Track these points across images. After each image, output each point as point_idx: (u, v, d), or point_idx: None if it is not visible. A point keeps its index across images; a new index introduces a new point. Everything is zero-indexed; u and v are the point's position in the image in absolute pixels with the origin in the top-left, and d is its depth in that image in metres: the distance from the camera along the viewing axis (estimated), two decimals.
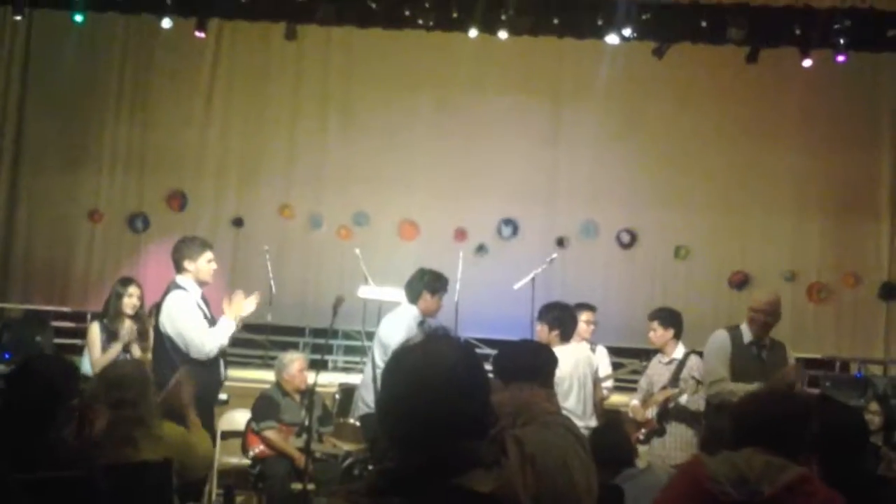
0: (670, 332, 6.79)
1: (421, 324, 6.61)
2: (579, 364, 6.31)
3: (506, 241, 11.14)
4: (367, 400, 6.59)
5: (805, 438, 2.98)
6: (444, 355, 2.02)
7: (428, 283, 6.67)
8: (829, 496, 2.78)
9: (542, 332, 6.34)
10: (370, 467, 6.38)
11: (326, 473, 6.83)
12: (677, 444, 6.52)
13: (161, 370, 5.54)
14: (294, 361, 7.34)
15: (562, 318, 6.35)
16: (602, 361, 7.33)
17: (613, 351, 8.70)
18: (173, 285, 5.97)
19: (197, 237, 6.49)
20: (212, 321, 5.91)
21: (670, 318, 6.86)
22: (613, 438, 4.62)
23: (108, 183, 11.23)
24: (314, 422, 6.68)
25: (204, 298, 6.04)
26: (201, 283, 5.99)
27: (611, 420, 5.60)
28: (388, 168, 11.03)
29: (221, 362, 6.01)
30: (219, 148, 11.27)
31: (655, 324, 6.83)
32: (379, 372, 6.45)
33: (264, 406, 7.05)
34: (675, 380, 6.61)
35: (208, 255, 6.00)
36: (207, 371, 5.74)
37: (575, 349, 6.48)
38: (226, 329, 5.87)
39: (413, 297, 6.72)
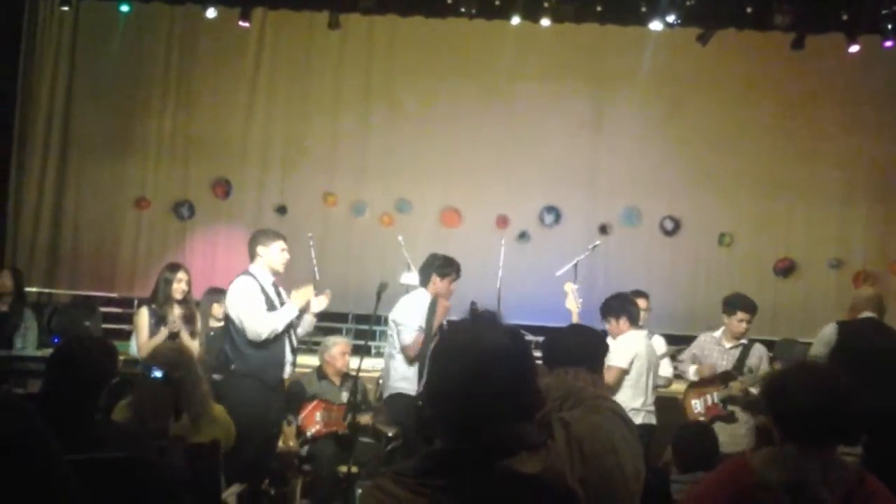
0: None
1: (432, 306, 6.68)
2: (648, 348, 6.46)
3: (548, 228, 11.12)
4: (388, 382, 6.67)
5: (855, 425, 2.77)
6: (492, 338, 2.02)
7: (437, 267, 6.80)
8: (886, 496, 2.62)
9: (613, 328, 6.37)
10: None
11: (367, 455, 6.91)
12: (745, 431, 6.52)
13: (226, 349, 6.16)
14: (336, 344, 7.46)
15: (624, 305, 6.42)
16: (659, 350, 7.32)
17: None
18: (243, 272, 6.25)
19: (271, 228, 6.89)
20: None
21: (755, 307, 6.84)
22: (703, 446, 4.60)
23: (154, 171, 11.35)
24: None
25: (276, 287, 6.28)
26: (274, 272, 6.26)
27: (702, 427, 5.58)
28: (431, 155, 11.05)
29: (287, 346, 6.20)
30: (263, 136, 11.35)
31: (745, 314, 6.77)
32: (394, 352, 6.61)
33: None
34: (739, 367, 6.62)
35: (280, 244, 6.30)
36: (268, 352, 6.08)
37: (643, 335, 6.58)
38: (284, 315, 6.13)
39: (424, 281, 6.87)
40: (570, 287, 6.88)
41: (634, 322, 6.45)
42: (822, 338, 6.32)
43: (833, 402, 2.71)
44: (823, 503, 2.55)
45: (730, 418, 6.54)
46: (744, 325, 6.74)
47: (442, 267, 6.78)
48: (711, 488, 2.78)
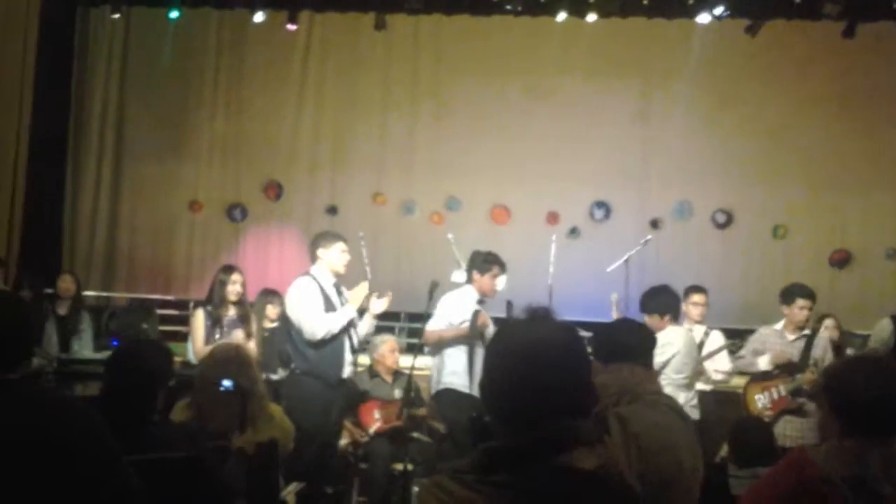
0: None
1: (480, 302, 6.73)
2: (689, 343, 6.43)
3: (598, 223, 11.07)
4: (438, 377, 6.71)
5: None
6: (547, 334, 2.05)
7: (477, 264, 6.80)
8: None
9: (654, 323, 6.34)
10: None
11: (423, 454, 6.93)
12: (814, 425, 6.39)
13: (287, 349, 6.37)
14: (385, 342, 7.52)
15: (668, 301, 6.38)
16: (716, 343, 7.25)
17: None
18: (303, 273, 6.37)
19: (332, 231, 7.05)
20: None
21: (813, 294, 6.80)
22: (759, 440, 4.56)
23: (206, 174, 11.49)
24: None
25: (338, 288, 6.37)
26: (335, 273, 6.35)
27: (758, 422, 5.53)
28: (479, 153, 11.05)
29: (347, 346, 6.30)
30: (312, 137, 11.44)
31: (805, 301, 6.71)
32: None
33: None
34: (805, 358, 6.54)
35: (341, 245, 6.39)
36: (327, 352, 6.18)
37: (683, 330, 6.54)
38: (341, 317, 6.24)
39: (468, 278, 6.90)
40: (615, 298, 6.88)
41: (676, 320, 6.45)
42: (878, 336, 6.13)
43: (893, 395, 2.66)
44: (885, 498, 2.51)
45: (799, 412, 6.43)
46: (805, 312, 6.67)
47: (483, 263, 6.81)
48: (771, 482, 2.70)
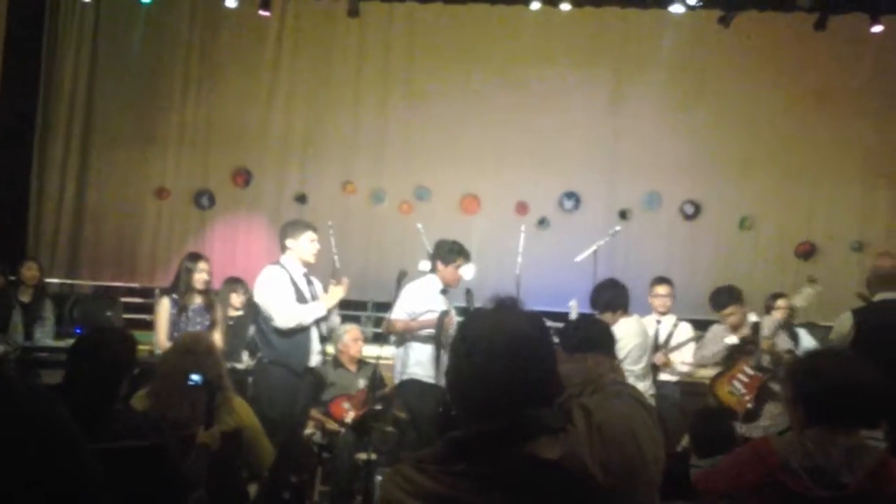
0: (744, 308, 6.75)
1: (444, 292, 6.71)
2: (643, 333, 6.47)
3: (568, 213, 11.09)
4: (403, 368, 6.68)
5: (878, 410, 2.78)
6: (513, 324, 2.05)
7: (441, 254, 6.78)
8: None
9: (607, 319, 6.38)
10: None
11: (387, 444, 6.93)
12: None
13: (255, 337, 6.37)
14: (348, 332, 7.48)
15: (614, 297, 6.45)
16: (684, 335, 7.27)
17: None
18: (273, 262, 6.34)
19: (301, 220, 6.97)
20: (312, 300, 6.28)
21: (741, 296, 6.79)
22: (719, 430, 4.58)
23: (174, 160, 11.40)
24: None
25: (308, 277, 6.32)
26: (305, 263, 6.30)
27: (718, 412, 5.55)
28: (450, 143, 11.04)
29: (314, 335, 6.25)
30: (282, 125, 11.37)
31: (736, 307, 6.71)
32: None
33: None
34: (755, 337, 6.57)
35: (310, 234, 6.32)
36: (294, 341, 6.15)
37: (635, 320, 6.59)
38: (312, 311, 6.20)
39: (432, 267, 6.86)
40: (573, 304, 6.92)
41: (626, 312, 6.51)
42: (839, 330, 6.11)
43: (858, 388, 2.72)
44: (846, 487, 2.54)
45: (773, 378, 6.48)
46: (733, 317, 6.66)
47: (447, 253, 6.78)
48: (735, 471, 2.76)
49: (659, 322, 7.24)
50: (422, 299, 6.65)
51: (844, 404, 2.69)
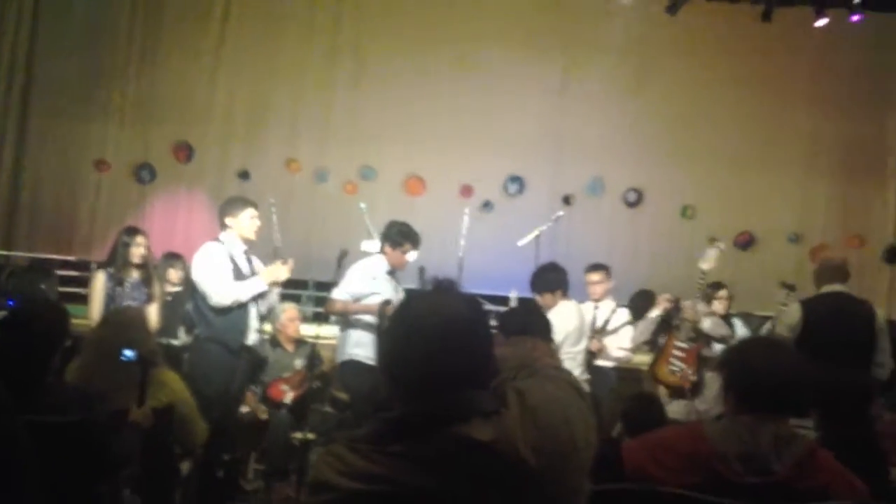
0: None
1: (391, 273, 6.66)
2: (581, 318, 6.53)
3: (512, 197, 11.12)
4: (343, 348, 6.63)
5: (808, 400, 2.84)
6: (449, 306, 2.06)
7: (391, 237, 6.71)
8: (837, 469, 2.67)
9: (545, 301, 6.45)
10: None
11: (326, 424, 6.91)
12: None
13: (191, 314, 6.21)
14: (285, 311, 7.41)
15: (555, 278, 6.52)
16: (621, 320, 7.36)
17: None
18: (213, 238, 6.22)
19: (241, 196, 6.83)
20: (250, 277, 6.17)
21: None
22: (650, 414, 4.63)
23: (115, 133, 11.19)
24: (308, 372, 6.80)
25: (248, 255, 6.24)
26: (245, 240, 6.19)
27: (649, 396, 5.62)
28: (396, 123, 10.99)
29: (252, 313, 6.16)
30: (226, 100, 11.23)
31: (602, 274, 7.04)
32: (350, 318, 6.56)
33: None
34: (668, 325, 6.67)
35: (250, 211, 6.21)
36: (231, 318, 6.04)
37: (574, 304, 6.64)
38: (250, 288, 6.10)
39: (381, 248, 6.79)
40: (514, 295, 6.98)
41: (566, 293, 6.58)
42: (786, 321, 6.14)
43: (789, 376, 2.77)
44: (774, 474, 2.59)
45: (709, 345, 6.56)
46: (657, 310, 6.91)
47: (397, 236, 6.70)
48: (666, 452, 2.78)
49: (596, 308, 7.30)
50: (366, 281, 6.58)
51: (773, 392, 2.74)
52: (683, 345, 6.56)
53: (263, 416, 6.99)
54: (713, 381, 6.34)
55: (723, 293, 7.32)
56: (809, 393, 2.82)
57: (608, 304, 7.36)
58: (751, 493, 2.57)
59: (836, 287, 6.05)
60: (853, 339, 5.79)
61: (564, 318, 6.33)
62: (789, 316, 6.05)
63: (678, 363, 6.57)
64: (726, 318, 7.14)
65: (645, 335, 6.96)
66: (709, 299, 7.03)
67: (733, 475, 2.60)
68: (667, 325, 6.69)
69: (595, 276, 7.36)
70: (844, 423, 3.63)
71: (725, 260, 10.25)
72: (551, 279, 6.58)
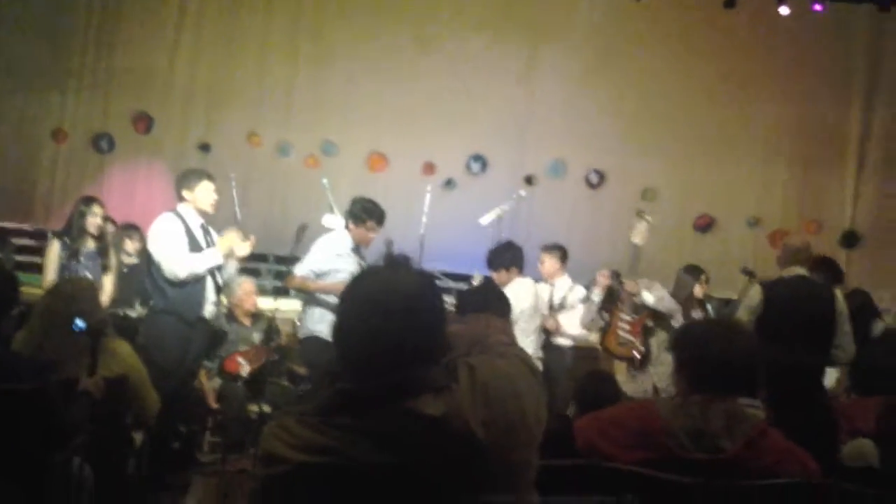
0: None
1: (355, 250, 6.61)
2: (536, 296, 6.58)
3: (474, 176, 11.12)
4: (305, 324, 6.60)
5: (758, 378, 2.86)
6: (402, 281, 2.06)
7: (354, 213, 6.63)
8: (788, 448, 2.72)
9: (500, 278, 6.51)
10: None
11: (284, 397, 6.89)
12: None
13: (147, 285, 6.11)
14: (240, 285, 7.36)
15: (512, 256, 6.59)
16: (576, 298, 7.41)
17: None
18: (170, 210, 6.14)
19: (199, 168, 6.77)
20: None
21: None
22: (603, 391, 4.64)
23: (73, 102, 11.03)
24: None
25: (205, 228, 6.17)
26: (202, 213, 6.12)
27: (603, 374, 5.67)
28: (359, 99, 10.93)
29: (210, 285, 6.10)
30: (187, 71, 11.09)
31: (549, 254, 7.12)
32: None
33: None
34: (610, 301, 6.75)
35: (207, 184, 6.15)
36: (187, 290, 5.99)
37: (530, 282, 6.70)
38: (206, 259, 6.04)
39: (346, 223, 6.75)
40: (478, 276, 7.03)
41: (521, 270, 6.74)
42: (748, 304, 6.17)
43: (739, 357, 2.81)
44: (723, 451, 2.62)
45: (658, 320, 6.65)
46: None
47: (361, 212, 6.63)
48: (618, 429, 2.81)
49: (552, 286, 7.36)
50: (329, 257, 6.51)
51: (723, 373, 2.77)
52: (628, 318, 6.64)
53: (214, 405, 6.95)
54: (668, 357, 6.42)
55: (702, 277, 7.42)
56: (760, 373, 2.85)
57: (564, 282, 7.41)
58: (700, 470, 2.61)
59: (798, 270, 6.10)
60: (813, 322, 5.84)
61: (518, 295, 6.37)
62: (751, 298, 6.08)
63: (626, 335, 6.65)
64: (702, 302, 7.23)
65: (591, 315, 7.02)
66: (691, 284, 7.14)
67: (682, 451, 2.63)
68: (612, 299, 6.76)
69: (543, 256, 7.48)
70: (794, 403, 3.68)
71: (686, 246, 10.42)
72: (506, 257, 6.71)
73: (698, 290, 7.23)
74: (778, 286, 6.07)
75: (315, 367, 6.53)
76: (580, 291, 7.41)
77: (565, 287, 7.38)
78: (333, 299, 6.35)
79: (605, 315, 6.83)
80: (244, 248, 6.25)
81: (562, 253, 7.49)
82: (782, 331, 5.60)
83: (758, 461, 2.63)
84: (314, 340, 6.43)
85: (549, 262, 7.41)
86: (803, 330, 5.72)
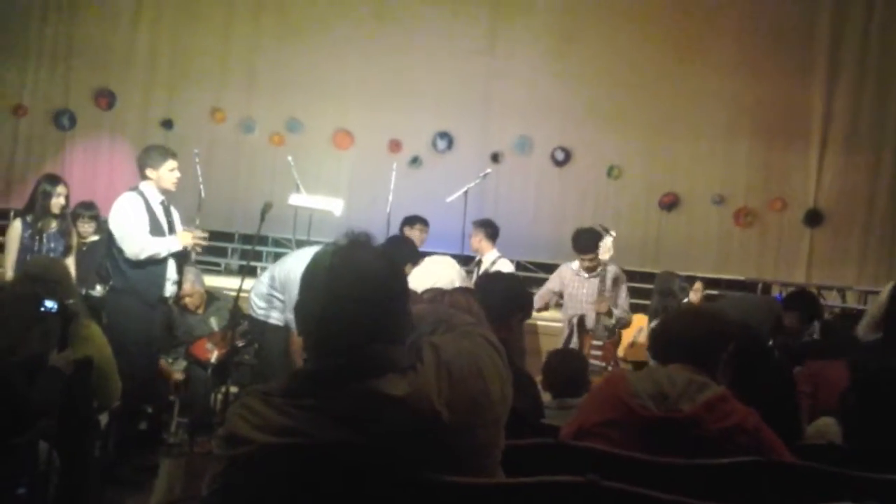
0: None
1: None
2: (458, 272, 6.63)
3: (440, 154, 11.10)
4: (258, 303, 6.49)
5: (723, 358, 3.03)
6: (364, 260, 2.03)
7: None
8: (744, 413, 2.81)
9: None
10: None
11: (253, 378, 6.83)
12: None
13: (107, 265, 6.03)
14: (186, 282, 7.03)
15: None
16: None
17: (544, 268, 8.86)
18: (131, 187, 6.05)
19: (162, 145, 6.64)
20: (170, 230, 6.06)
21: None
22: (569, 370, 4.65)
23: (33, 77, 10.90)
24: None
25: (167, 206, 6.09)
26: (164, 191, 6.05)
27: (571, 352, 5.68)
28: (324, 75, 10.87)
29: (170, 265, 6.03)
30: (149, 46, 10.99)
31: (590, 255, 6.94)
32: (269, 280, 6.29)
33: None
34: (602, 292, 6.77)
35: (170, 163, 6.07)
36: (147, 270, 5.92)
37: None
38: (166, 244, 5.96)
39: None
40: None
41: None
42: (879, 298, 5.77)
43: (699, 333, 3.04)
44: (681, 412, 2.77)
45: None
46: (586, 262, 6.95)
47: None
48: (593, 402, 3.02)
49: (478, 261, 7.45)
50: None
51: (682, 344, 3.01)
52: (599, 342, 6.65)
53: (178, 376, 6.89)
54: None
55: (698, 286, 7.56)
56: (720, 354, 3.04)
57: (491, 255, 7.46)
58: (660, 429, 2.75)
59: None
60: None
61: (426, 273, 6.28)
62: (882, 294, 5.69)
63: (597, 363, 6.62)
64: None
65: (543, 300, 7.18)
66: (684, 291, 7.27)
67: (644, 410, 2.78)
68: (581, 327, 6.78)
69: (473, 231, 7.59)
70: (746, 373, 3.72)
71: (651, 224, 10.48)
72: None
73: (693, 298, 7.42)
74: None
75: (266, 344, 6.42)
76: (506, 265, 7.46)
77: (490, 260, 7.42)
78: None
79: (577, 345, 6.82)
80: (187, 239, 6.13)
81: (490, 228, 7.54)
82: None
83: (716, 424, 2.75)
84: (258, 322, 6.31)
85: (477, 237, 7.49)
86: None
